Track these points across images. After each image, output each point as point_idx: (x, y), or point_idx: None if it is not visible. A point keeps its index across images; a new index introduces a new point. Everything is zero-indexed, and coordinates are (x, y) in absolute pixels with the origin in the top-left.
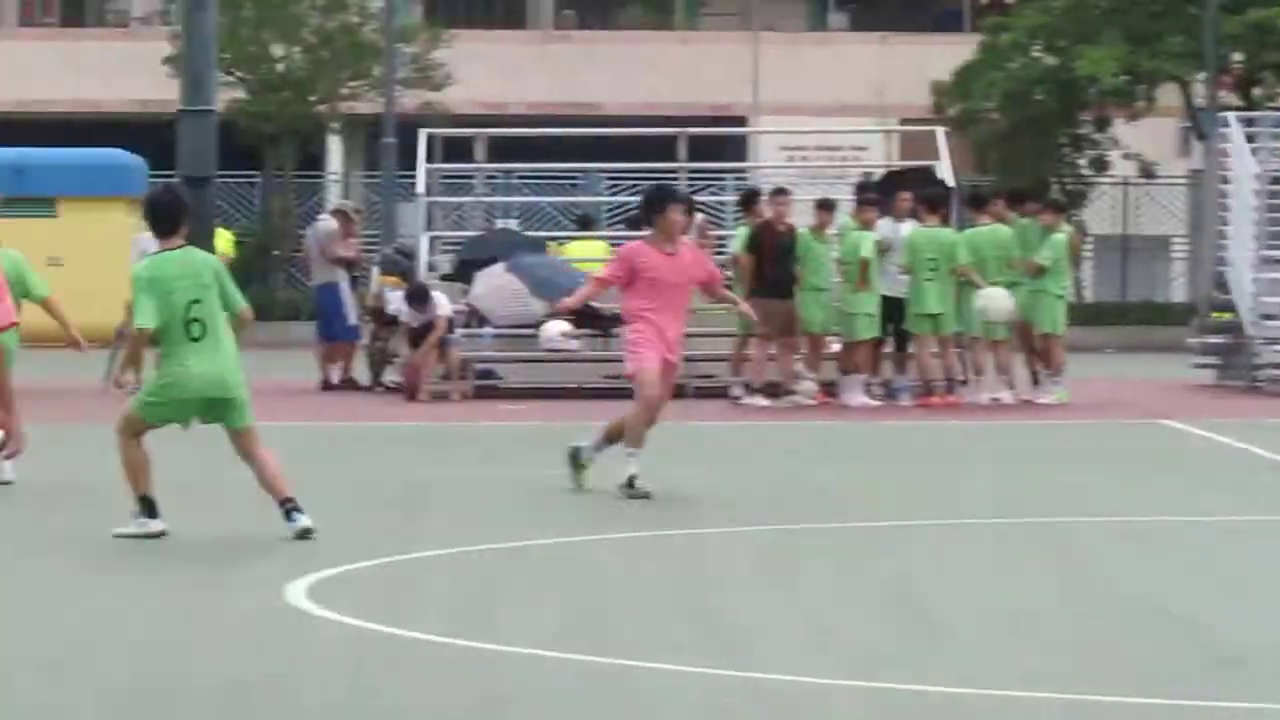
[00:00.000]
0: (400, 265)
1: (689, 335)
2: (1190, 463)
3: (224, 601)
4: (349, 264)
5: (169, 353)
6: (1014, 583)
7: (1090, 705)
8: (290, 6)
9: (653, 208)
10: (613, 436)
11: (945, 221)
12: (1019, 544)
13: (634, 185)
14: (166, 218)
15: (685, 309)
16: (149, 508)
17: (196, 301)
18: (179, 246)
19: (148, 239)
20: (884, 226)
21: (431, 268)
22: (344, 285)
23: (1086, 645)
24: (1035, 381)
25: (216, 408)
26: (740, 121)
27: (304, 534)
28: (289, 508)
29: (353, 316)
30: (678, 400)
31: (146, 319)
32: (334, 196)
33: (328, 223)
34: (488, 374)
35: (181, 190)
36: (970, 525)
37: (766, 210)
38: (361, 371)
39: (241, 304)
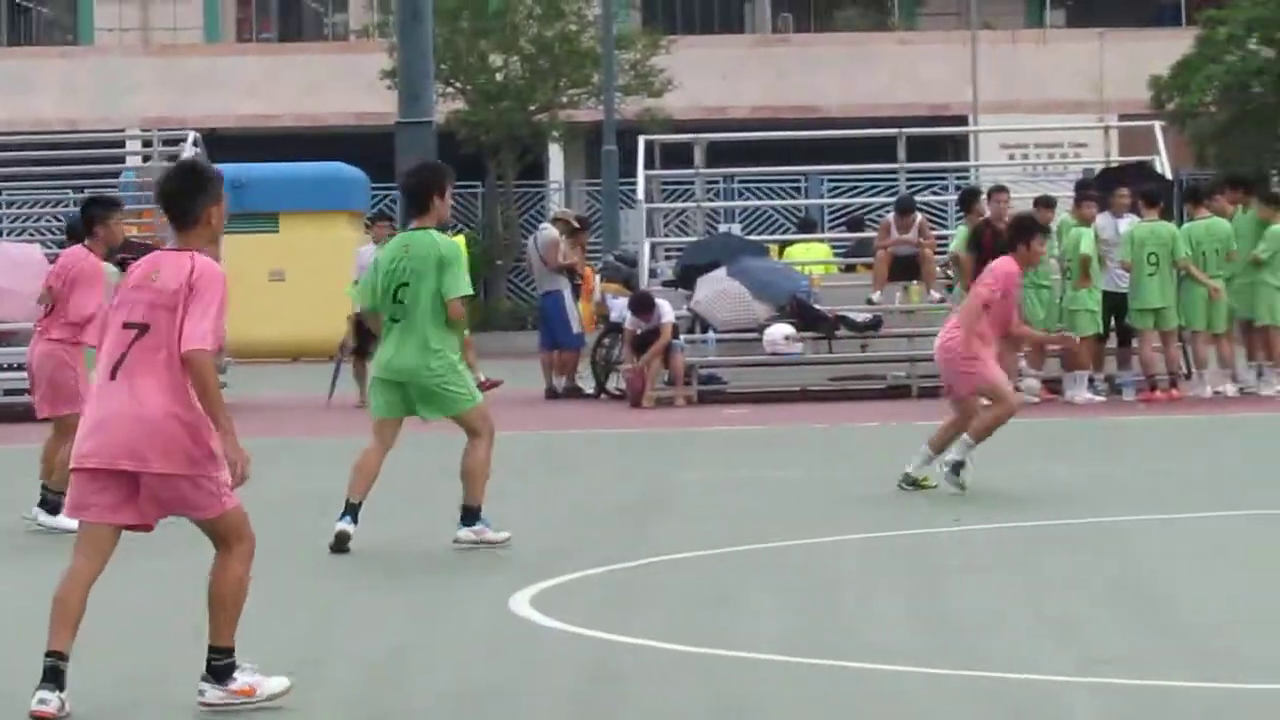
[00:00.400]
0: (622, 272)
1: (913, 336)
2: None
3: (459, 609)
4: (571, 272)
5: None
6: (1247, 576)
7: None
8: (508, 16)
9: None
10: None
11: (1165, 216)
12: (1248, 537)
13: (854, 187)
14: (415, 195)
15: None
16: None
17: (404, 285)
18: (419, 228)
19: (368, 251)
20: (1104, 222)
21: (654, 274)
22: (567, 294)
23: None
24: (1259, 374)
25: (409, 397)
26: (959, 120)
27: (457, 541)
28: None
29: (576, 324)
30: (902, 401)
31: (361, 298)
32: (556, 205)
33: (549, 231)
34: (712, 379)
35: (437, 167)
36: (1199, 519)
37: (986, 209)
38: (586, 379)
39: (452, 293)
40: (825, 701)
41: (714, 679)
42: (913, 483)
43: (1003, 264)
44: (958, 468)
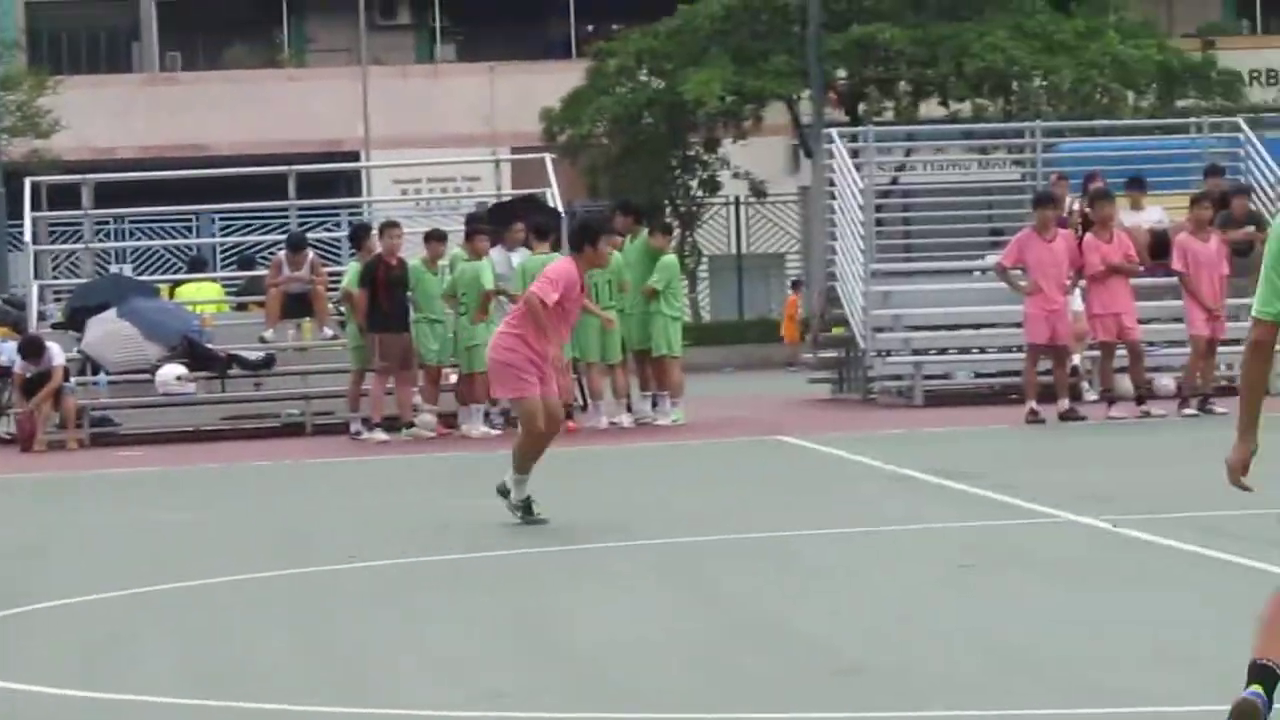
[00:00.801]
0: (11, 316)
1: (306, 373)
2: (807, 478)
3: None
4: None
5: None
6: (637, 605)
7: None
8: None
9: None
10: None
11: (556, 247)
12: (641, 566)
13: (246, 225)
14: None
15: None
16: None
17: None
18: None
19: None
20: (498, 256)
21: (43, 316)
22: None
23: (711, 664)
24: (654, 404)
25: None
26: (352, 156)
27: None
28: None
29: None
30: (296, 439)
31: None
32: None
33: None
34: (105, 421)
35: None
36: (591, 550)
37: (378, 244)
38: None
39: None
40: None
41: None
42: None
43: (563, 264)
44: (503, 492)
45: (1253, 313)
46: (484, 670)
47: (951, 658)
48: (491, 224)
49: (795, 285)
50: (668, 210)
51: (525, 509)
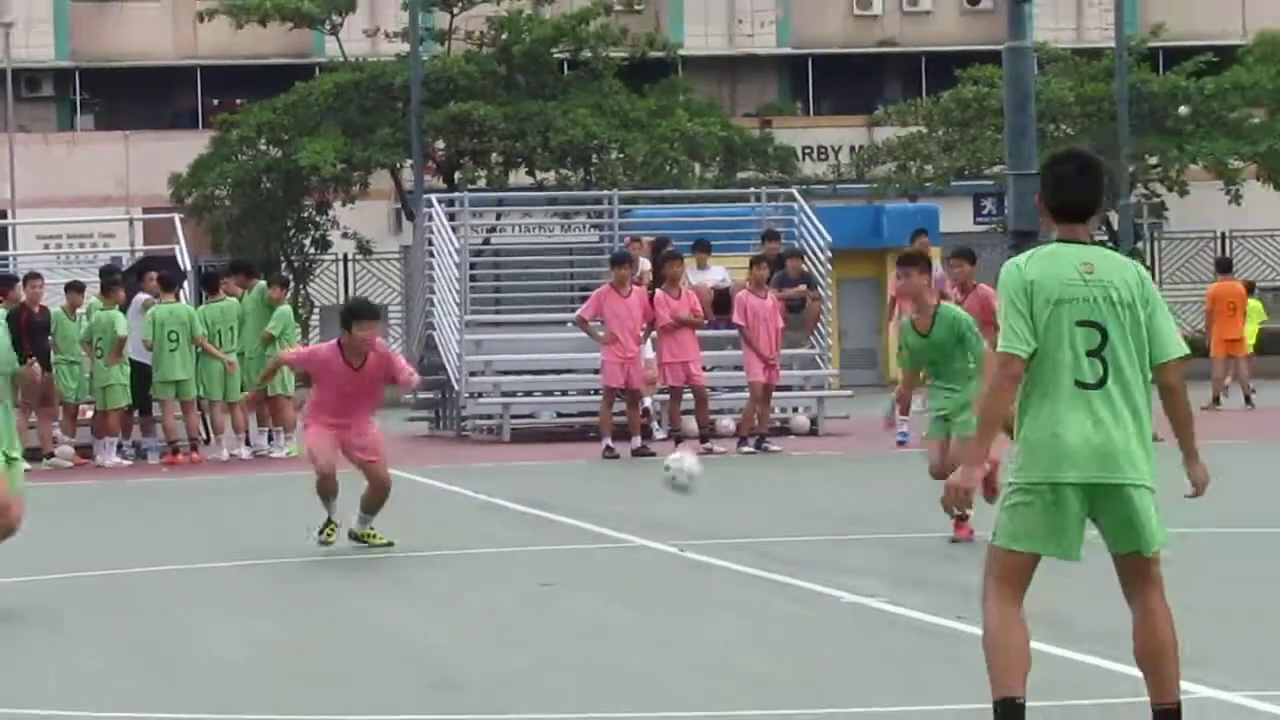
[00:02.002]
0: None
1: None
2: (408, 505)
3: None
4: None
5: None
6: (251, 621)
7: None
8: None
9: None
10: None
11: (178, 298)
12: (258, 585)
13: None
14: None
15: None
16: None
17: None
18: None
19: None
20: (133, 305)
21: None
22: None
23: (314, 673)
24: (270, 438)
25: None
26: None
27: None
28: None
29: None
30: None
31: None
32: None
33: None
34: None
35: None
36: (210, 569)
37: (23, 294)
38: None
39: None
40: None
41: None
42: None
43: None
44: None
45: (1008, 350)
46: (117, 680)
47: (536, 670)
48: (126, 276)
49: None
50: (283, 265)
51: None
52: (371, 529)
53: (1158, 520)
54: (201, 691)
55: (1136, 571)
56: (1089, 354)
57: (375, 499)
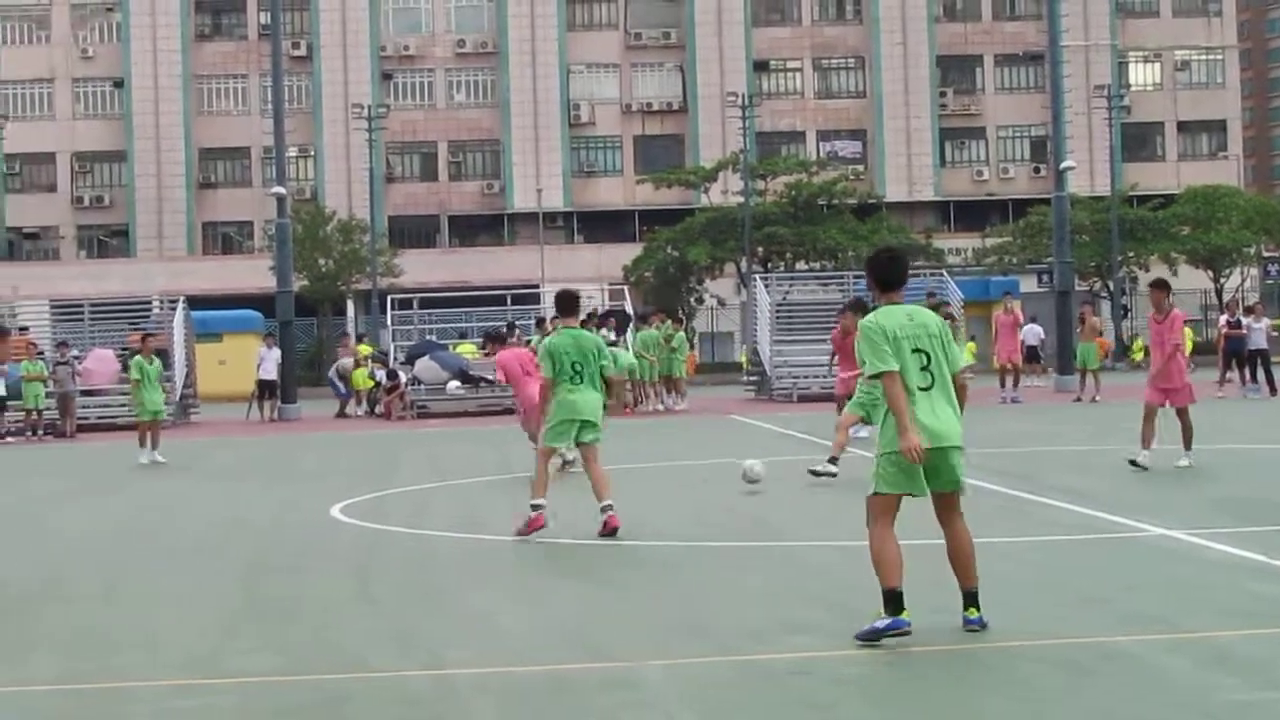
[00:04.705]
0: (380, 357)
1: None
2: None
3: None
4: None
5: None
6: None
7: None
8: (320, 238)
9: None
10: None
11: (621, 331)
12: None
13: None
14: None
15: None
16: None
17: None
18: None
19: (265, 353)
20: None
21: (393, 357)
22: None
23: None
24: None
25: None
26: None
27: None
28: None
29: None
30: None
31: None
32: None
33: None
34: (423, 406)
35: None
36: None
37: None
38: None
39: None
40: None
41: None
42: None
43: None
44: None
45: (888, 369)
46: None
47: None
48: (603, 319)
49: None
50: (679, 310)
51: None
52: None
53: (962, 470)
54: None
55: (948, 503)
56: (921, 369)
57: None
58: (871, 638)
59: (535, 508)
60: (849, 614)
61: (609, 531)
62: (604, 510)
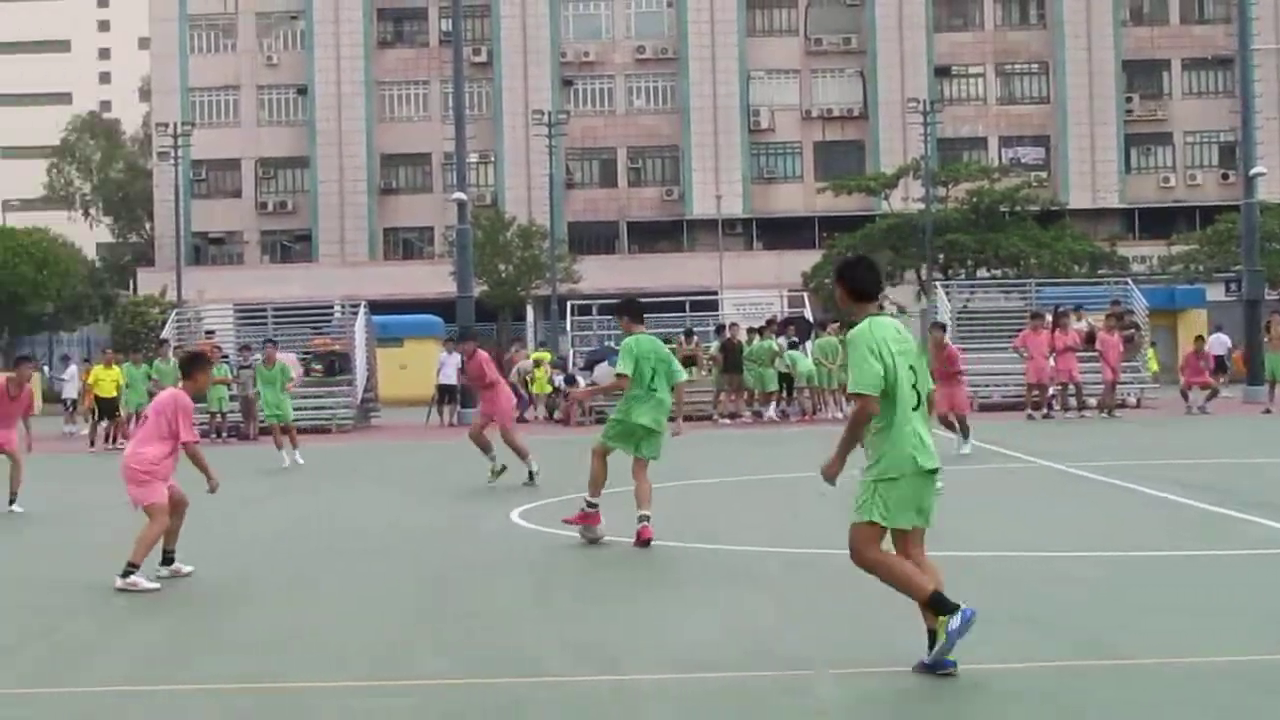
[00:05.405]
0: (560, 363)
1: None
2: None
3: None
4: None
5: None
6: None
7: None
8: (501, 244)
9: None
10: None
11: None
12: None
13: None
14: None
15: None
16: None
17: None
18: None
19: (445, 358)
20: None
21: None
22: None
23: None
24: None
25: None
26: None
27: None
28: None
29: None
30: None
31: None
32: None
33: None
34: (602, 411)
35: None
36: None
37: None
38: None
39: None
40: None
41: None
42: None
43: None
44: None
45: (870, 390)
46: None
47: None
48: (783, 325)
49: None
50: None
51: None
52: None
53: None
54: None
55: (917, 538)
56: (912, 387)
57: None
58: (951, 643)
59: (590, 505)
60: (1034, 624)
61: (642, 543)
62: (640, 520)
